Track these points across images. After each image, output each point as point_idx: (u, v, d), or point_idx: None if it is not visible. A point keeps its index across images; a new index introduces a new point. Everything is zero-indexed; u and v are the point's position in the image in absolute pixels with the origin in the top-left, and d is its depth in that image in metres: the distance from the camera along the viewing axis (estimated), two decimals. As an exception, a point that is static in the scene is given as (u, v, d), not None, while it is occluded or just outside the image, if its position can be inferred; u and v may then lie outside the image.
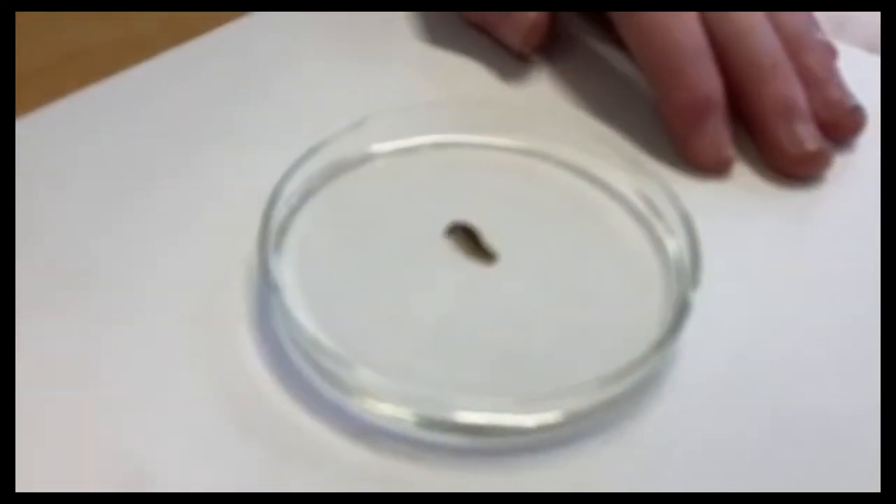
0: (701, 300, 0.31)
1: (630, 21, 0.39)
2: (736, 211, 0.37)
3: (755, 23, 0.39)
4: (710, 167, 0.37)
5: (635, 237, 0.34)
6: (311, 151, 0.34)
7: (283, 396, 0.29)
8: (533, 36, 0.41)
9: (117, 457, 0.27)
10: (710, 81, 0.38)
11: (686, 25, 0.38)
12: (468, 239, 0.33)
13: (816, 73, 0.39)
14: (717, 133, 0.37)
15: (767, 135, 0.38)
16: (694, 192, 0.36)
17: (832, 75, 0.40)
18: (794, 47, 0.39)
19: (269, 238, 0.31)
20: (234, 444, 0.28)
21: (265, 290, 0.31)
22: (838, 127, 0.39)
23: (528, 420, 0.28)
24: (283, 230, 0.33)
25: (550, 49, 0.43)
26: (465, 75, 0.41)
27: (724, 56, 0.39)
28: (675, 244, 0.34)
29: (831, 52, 0.41)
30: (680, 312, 0.30)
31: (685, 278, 0.32)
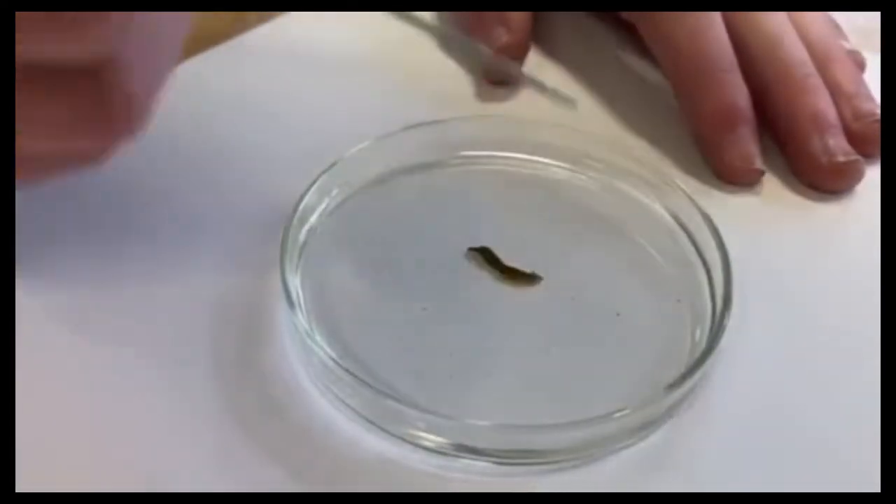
0: (732, 317, 0.30)
1: (656, 29, 0.39)
2: (767, 226, 0.36)
3: (784, 33, 0.39)
4: (739, 179, 0.36)
5: (666, 254, 0.34)
6: (330, 168, 0.33)
7: (302, 415, 0.28)
8: (497, 65, 0.40)
9: (131, 473, 0.27)
10: (738, 91, 0.37)
11: (714, 34, 0.38)
12: (493, 261, 0.33)
13: (845, 86, 0.39)
14: (747, 143, 0.37)
15: (799, 147, 0.37)
16: (724, 207, 0.36)
17: (861, 87, 0.39)
18: (822, 59, 0.39)
19: (288, 257, 0.31)
20: (248, 460, 0.27)
21: (284, 308, 0.30)
22: (868, 138, 0.38)
23: (552, 445, 0.28)
24: (303, 248, 0.32)
25: (575, 63, 0.42)
26: (488, 91, 0.41)
27: (754, 67, 0.38)
28: (706, 262, 0.33)
29: (859, 63, 0.41)
30: (713, 335, 0.30)
31: (717, 297, 0.31)
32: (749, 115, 0.37)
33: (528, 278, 0.32)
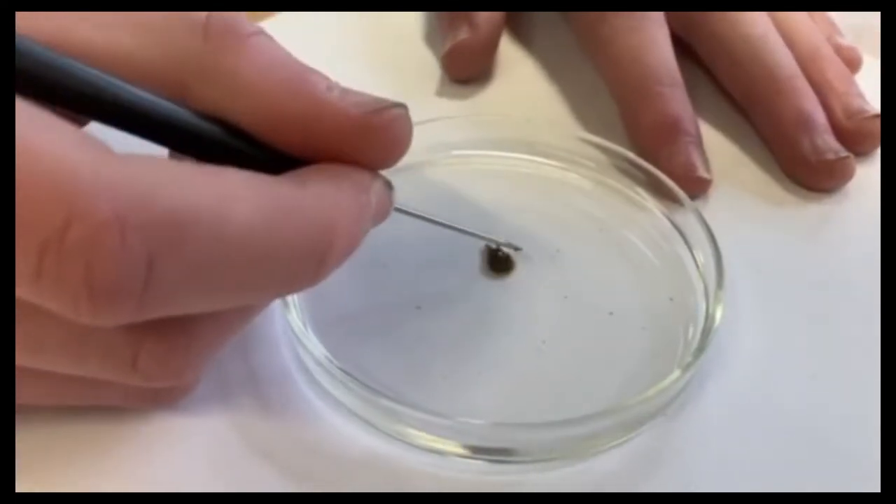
0: (725, 316, 0.30)
1: (597, 46, 0.39)
2: (759, 225, 0.36)
3: (767, 35, 0.39)
4: (683, 189, 0.35)
5: (658, 253, 0.34)
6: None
7: (296, 415, 0.28)
8: (454, 60, 0.40)
9: (128, 473, 0.27)
10: (678, 104, 0.37)
11: (655, 51, 0.38)
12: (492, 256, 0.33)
13: (835, 84, 0.39)
14: (687, 154, 0.36)
15: (788, 149, 0.37)
16: (716, 206, 0.36)
17: (851, 85, 0.39)
18: (809, 58, 0.39)
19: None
20: (242, 459, 0.27)
21: (278, 306, 0.30)
22: (860, 135, 0.38)
23: (545, 443, 0.28)
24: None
25: (567, 61, 0.42)
26: (485, 89, 0.41)
27: (738, 70, 0.39)
28: (698, 261, 0.33)
29: (854, 60, 0.41)
30: (705, 333, 0.30)
31: (710, 296, 0.31)
32: (690, 128, 0.37)
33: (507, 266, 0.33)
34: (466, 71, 0.41)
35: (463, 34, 0.40)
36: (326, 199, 0.24)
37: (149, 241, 0.20)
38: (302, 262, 0.23)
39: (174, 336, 0.23)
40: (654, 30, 0.39)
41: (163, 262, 0.20)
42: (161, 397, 0.27)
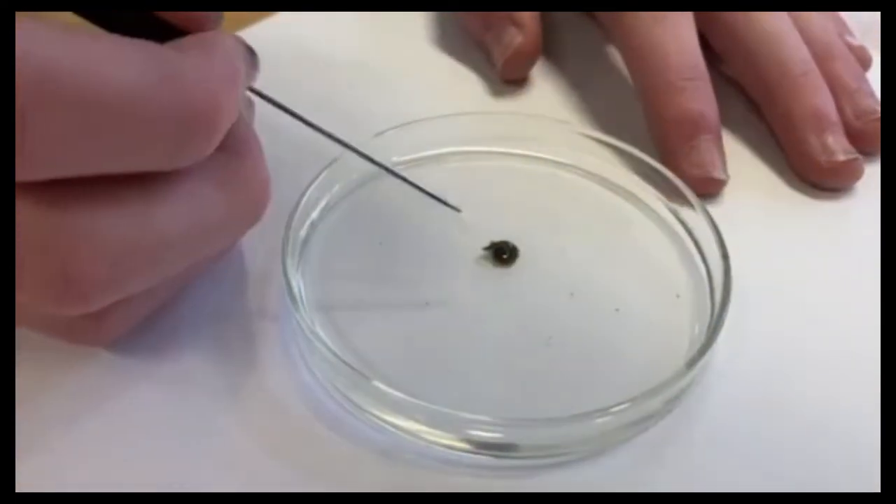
0: (731, 312, 0.30)
1: (622, 37, 0.39)
2: (766, 222, 0.36)
3: (784, 31, 0.39)
4: (698, 188, 0.35)
5: (665, 250, 0.34)
6: (332, 164, 0.34)
7: (304, 410, 0.29)
8: (514, 64, 0.40)
9: (132, 473, 0.27)
10: (701, 99, 0.37)
11: (679, 43, 0.38)
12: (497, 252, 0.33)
13: (847, 82, 0.39)
14: (705, 152, 0.36)
15: (798, 146, 0.37)
16: (723, 203, 0.36)
17: (863, 83, 0.39)
18: (823, 56, 0.39)
19: (290, 252, 0.31)
20: (250, 456, 0.27)
21: (286, 303, 0.30)
22: (868, 135, 0.38)
23: (550, 440, 0.28)
24: (305, 243, 0.33)
25: (576, 59, 0.42)
26: (488, 86, 0.41)
27: (754, 65, 0.38)
28: (705, 258, 0.33)
29: (864, 59, 0.41)
30: (712, 330, 0.30)
31: (716, 293, 0.31)
32: (712, 124, 0.37)
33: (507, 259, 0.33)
34: (524, 72, 0.41)
35: (516, 37, 0.40)
36: (206, 65, 0.24)
37: (19, 95, 0.20)
38: (191, 127, 0.24)
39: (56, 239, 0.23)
40: (681, 23, 0.38)
41: (36, 116, 0.21)
42: (76, 333, 0.27)
